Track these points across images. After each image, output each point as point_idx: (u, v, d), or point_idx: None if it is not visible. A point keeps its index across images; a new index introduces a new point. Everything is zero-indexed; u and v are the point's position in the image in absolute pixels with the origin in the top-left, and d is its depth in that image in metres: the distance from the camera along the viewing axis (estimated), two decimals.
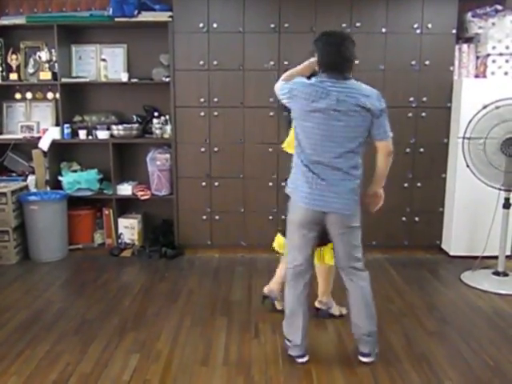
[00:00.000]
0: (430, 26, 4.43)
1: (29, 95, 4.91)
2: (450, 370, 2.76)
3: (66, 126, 4.71)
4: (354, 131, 2.62)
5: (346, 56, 2.64)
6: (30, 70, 4.84)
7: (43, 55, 4.70)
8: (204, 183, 4.70)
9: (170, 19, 4.46)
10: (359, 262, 2.81)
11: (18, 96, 4.93)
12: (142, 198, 4.80)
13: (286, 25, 4.43)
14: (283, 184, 2.94)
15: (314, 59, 2.77)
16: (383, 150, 2.70)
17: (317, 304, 3.42)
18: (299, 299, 2.82)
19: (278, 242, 3.39)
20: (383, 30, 4.45)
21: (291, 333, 2.84)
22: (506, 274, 4.01)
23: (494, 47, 4.36)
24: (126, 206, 5.02)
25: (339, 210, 2.67)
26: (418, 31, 4.45)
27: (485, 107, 3.81)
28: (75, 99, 4.90)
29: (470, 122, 3.88)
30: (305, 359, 2.85)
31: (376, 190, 2.85)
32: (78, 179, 4.74)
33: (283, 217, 3.00)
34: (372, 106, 2.59)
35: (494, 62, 4.40)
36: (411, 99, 4.53)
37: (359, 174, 2.70)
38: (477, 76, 4.54)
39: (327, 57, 2.64)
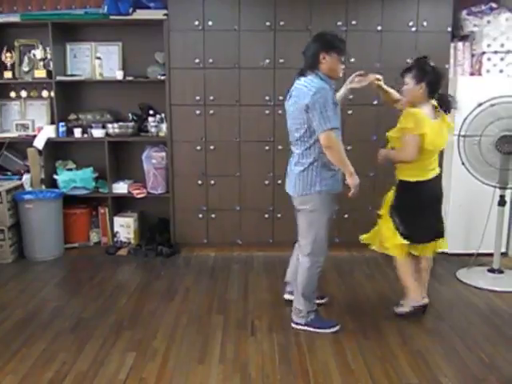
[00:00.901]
0: (425, 23, 4.44)
1: (23, 93, 4.89)
2: (445, 367, 2.77)
3: (61, 124, 4.70)
4: (295, 122, 3.01)
5: (305, 55, 3.02)
6: (25, 68, 4.81)
7: (38, 53, 4.68)
8: (200, 181, 4.69)
9: (165, 17, 4.45)
10: (301, 247, 3.18)
11: (12, 94, 4.91)
12: (138, 196, 4.80)
13: (282, 23, 4.43)
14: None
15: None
16: (321, 142, 2.93)
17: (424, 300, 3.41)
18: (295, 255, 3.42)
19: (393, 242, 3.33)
20: (379, 27, 4.46)
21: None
22: (501, 271, 4.03)
23: (489, 45, 4.38)
24: (121, 205, 5.01)
25: (289, 191, 3.16)
26: (414, 29, 4.46)
27: (480, 105, 3.82)
28: (70, 97, 4.88)
29: (465, 119, 3.89)
30: (285, 296, 3.52)
31: (347, 178, 3.04)
32: (73, 178, 4.72)
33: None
34: (298, 100, 2.94)
35: (489, 59, 4.42)
36: None
37: (307, 162, 3.00)
38: (472, 74, 4.56)
39: None
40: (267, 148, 4.60)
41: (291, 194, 3.12)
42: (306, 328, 3.16)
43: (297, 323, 3.19)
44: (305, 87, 2.91)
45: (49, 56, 4.68)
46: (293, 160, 3.11)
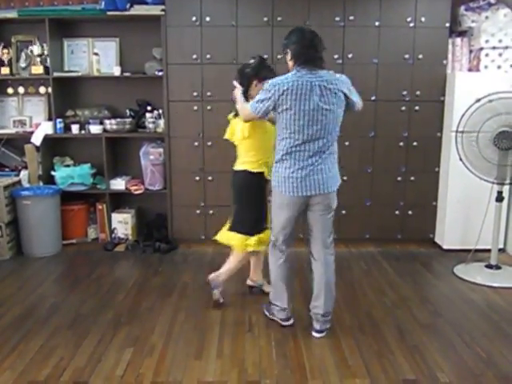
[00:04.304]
0: (423, 19, 4.43)
1: (21, 90, 4.88)
2: (442, 362, 2.78)
3: (58, 120, 4.69)
4: (337, 117, 2.97)
5: (319, 50, 2.92)
6: (22, 64, 4.80)
7: (35, 49, 4.67)
8: (197, 177, 4.69)
9: (163, 13, 4.44)
10: (328, 246, 3.09)
11: (10, 90, 4.90)
12: (136, 192, 4.79)
13: (279, 18, 4.41)
14: None
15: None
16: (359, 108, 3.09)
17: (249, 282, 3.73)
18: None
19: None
20: (377, 23, 4.45)
21: (278, 299, 3.16)
22: (498, 267, 4.03)
23: (487, 41, 4.37)
24: (119, 201, 5.01)
25: (328, 189, 2.99)
26: (412, 25, 4.45)
27: (478, 101, 3.81)
28: (68, 93, 4.88)
29: (463, 115, 3.89)
30: (291, 322, 3.19)
31: None
32: (71, 174, 4.72)
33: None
34: (338, 93, 2.90)
35: (487, 55, 4.41)
36: (404, 93, 4.54)
37: (335, 155, 3.00)
38: (470, 70, 4.55)
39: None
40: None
41: (330, 191, 2.94)
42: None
43: (326, 329, 3.10)
44: (336, 78, 2.88)
45: (46, 52, 4.67)
46: (326, 156, 2.89)
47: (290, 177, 2.88)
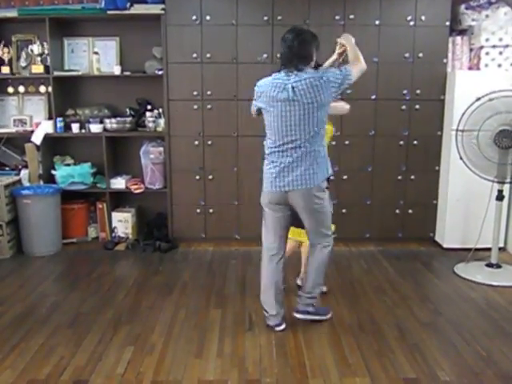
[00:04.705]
0: (423, 18, 4.43)
1: (21, 89, 4.88)
2: (442, 361, 2.78)
3: (58, 119, 4.69)
4: (319, 115, 2.90)
5: (301, 52, 2.89)
6: (23, 63, 4.80)
7: (35, 48, 4.67)
8: (198, 176, 4.69)
9: (163, 12, 4.44)
10: (323, 237, 3.10)
11: (10, 90, 4.89)
12: (136, 191, 4.79)
13: (279, 17, 4.41)
14: None
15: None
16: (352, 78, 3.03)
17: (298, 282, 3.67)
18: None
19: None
20: (377, 22, 4.45)
21: (267, 304, 3.12)
22: (498, 266, 4.03)
23: (487, 39, 4.36)
24: (119, 200, 5.01)
25: (300, 185, 2.95)
26: (412, 23, 4.45)
27: (478, 99, 3.81)
28: (68, 92, 4.88)
29: (463, 114, 3.88)
30: (282, 327, 3.11)
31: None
32: (71, 173, 4.72)
33: None
34: (319, 94, 2.84)
35: (487, 54, 4.41)
36: (405, 92, 4.54)
37: (320, 149, 2.93)
38: (470, 68, 4.55)
39: None
40: (265, 143, 4.58)
41: (307, 187, 2.87)
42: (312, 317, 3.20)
43: (307, 311, 3.18)
44: (313, 77, 2.79)
45: (46, 51, 4.67)
46: (302, 155, 2.86)
47: (268, 173, 2.99)
